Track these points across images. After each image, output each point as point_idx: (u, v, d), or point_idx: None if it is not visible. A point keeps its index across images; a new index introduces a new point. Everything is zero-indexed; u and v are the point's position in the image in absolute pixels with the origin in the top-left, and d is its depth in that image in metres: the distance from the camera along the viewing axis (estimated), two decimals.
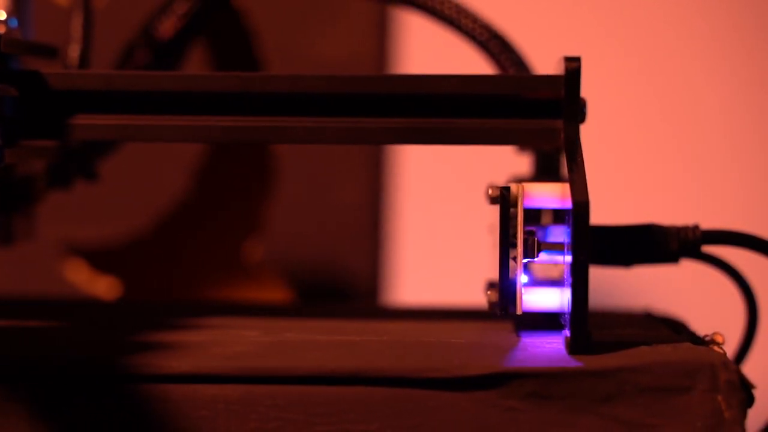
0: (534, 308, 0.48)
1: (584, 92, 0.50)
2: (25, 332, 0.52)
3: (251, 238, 0.77)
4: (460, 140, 0.51)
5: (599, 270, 0.51)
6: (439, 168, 0.87)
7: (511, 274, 0.48)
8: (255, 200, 0.77)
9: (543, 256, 0.48)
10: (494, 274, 0.48)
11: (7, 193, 0.59)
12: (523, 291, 0.48)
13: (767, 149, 0.88)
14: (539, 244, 0.48)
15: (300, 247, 0.82)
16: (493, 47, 0.58)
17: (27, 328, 0.53)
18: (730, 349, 0.51)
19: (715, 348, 0.47)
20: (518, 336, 0.51)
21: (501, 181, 0.52)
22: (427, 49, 0.84)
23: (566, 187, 0.47)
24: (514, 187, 0.48)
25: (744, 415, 0.45)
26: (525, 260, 0.47)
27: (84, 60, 0.57)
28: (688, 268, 0.55)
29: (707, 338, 0.48)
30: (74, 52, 0.57)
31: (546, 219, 0.52)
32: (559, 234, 0.49)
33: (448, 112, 0.51)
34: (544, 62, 0.57)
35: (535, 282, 0.51)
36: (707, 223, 0.52)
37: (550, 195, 0.48)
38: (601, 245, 0.51)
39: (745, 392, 0.45)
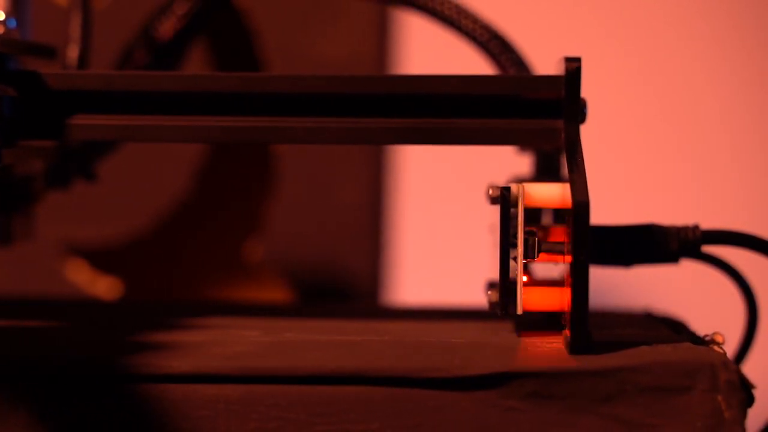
0: (534, 308, 0.48)
1: (584, 92, 0.50)
2: (25, 332, 0.52)
3: (251, 238, 0.77)
4: (461, 140, 0.51)
5: (599, 270, 0.51)
6: (440, 168, 0.87)
7: (511, 274, 0.48)
8: (255, 200, 0.77)
9: (543, 256, 0.48)
10: (494, 274, 0.48)
11: (6, 194, 0.59)
12: (523, 291, 0.48)
13: (767, 149, 0.88)
14: (539, 244, 0.48)
15: (300, 247, 0.82)
16: (494, 48, 0.58)
17: (27, 328, 0.53)
18: (730, 349, 0.51)
19: (715, 348, 0.47)
20: (518, 336, 0.51)
21: (501, 181, 0.52)
22: (427, 50, 0.84)
23: (566, 187, 0.47)
24: (514, 187, 0.48)
25: (744, 415, 0.45)
26: (525, 260, 0.47)
27: (83, 60, 0.56)
28: (688, 268, 0.55)
29: (707, 338, 0.48)
30: (73, 52, 0.57)
31: (546, 219, 0.53)
32: (560, 234, 0.49)
33: (449, 112, 0.51)
34: (545, 62, 0.57)
35: (536, 282, 0.51)
36: (707, 223, 0.52)
37: (551, 195, 0.48)
38: (601, 245, 0.51)
39: (745, 392, 0.45)
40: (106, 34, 0.62)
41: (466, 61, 0.62)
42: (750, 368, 0.51)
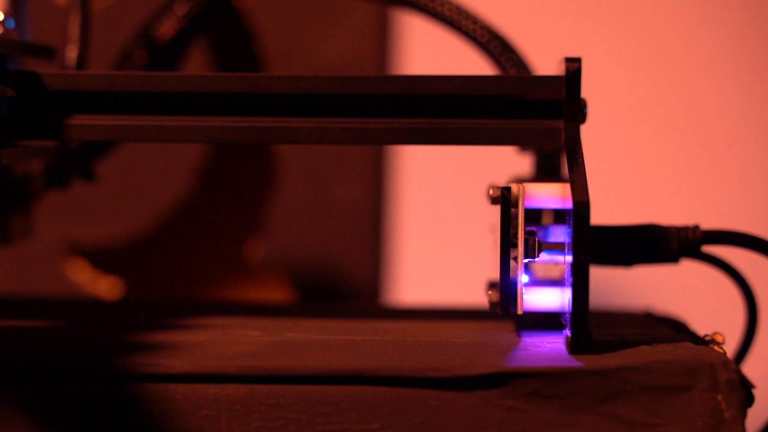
0: (535, 308, 0.49)
1: (585, 92, 0.50)
2: (25, 332, 0.52)
3: (253, 238, 0.77)
4: (462, 141, 0.51)
5: (599, 270, 0.51)
6: (440, 168, 0.87)
7: (512, 274, 0.48)
8: (257, 200, 0.77)
9: (543, 256, 0.48)
10: (495, 274, 0.49)
11: (5, 193, 0.59)
12: (523, 291, 0.48)
13: (767, 149, 0.88)
14: (540, 244, 0.48)
15: (301, 247, 0.82)
16: (494, 48, 0.58)
17: (27, 328, 0.53)
18: (730, 349, 0.51)
19: (715, 348, 0.47)
20: (519, 336, 0.51)
21: (502, 182, 0.52)
22: (428, 50, 0.84)
23: (567, 187, 0.47)
24: (514, 187, 0.48)
25: (744, 415, 0.45)
26: (526, 260, 0.48)
27: (82, 60, 0.56)
28: (688, 268, 0.55)
29: (707, 338, 0.48)
30: (72, 52, 0.57)
31: (547, 219, 0.53)
32: (560, 234, 0.49)
33: (450, 112, 0.51)
34: (545, 63, 0.57)
35: (536, 282, 0.51)
36: (707, 223, 0.52)
37: (551, 195, 0.48)
38: (602, 245, 0.51)
39: (745, 392, 0.45)
40: (106, 34, 0.62)
41: (466, 61, 0.62)
42: (750, 368, 0.51)
